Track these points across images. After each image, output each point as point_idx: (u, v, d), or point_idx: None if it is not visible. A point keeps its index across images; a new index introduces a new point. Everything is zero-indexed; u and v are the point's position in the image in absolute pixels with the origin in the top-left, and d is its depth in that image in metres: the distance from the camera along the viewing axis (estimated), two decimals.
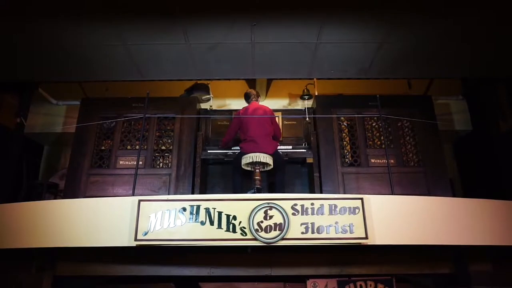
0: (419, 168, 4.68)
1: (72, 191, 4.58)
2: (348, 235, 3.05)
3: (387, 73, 4.66)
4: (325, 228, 3.06)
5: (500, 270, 3.60)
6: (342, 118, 5.02)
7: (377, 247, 3.18)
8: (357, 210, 3.12)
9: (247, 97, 4.74)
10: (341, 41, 4.01)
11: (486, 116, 5.17)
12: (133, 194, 3.45)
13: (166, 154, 4.89)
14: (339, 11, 3.57)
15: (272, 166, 4.22)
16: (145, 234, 3.04)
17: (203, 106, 5.61)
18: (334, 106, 5.00)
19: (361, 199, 3.17)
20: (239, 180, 4.44)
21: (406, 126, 4.98)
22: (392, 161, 4.63)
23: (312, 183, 4.69)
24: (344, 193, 4.45)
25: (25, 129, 5.34)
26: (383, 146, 4.60)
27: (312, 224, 3.07)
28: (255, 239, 3.02)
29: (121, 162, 4.77)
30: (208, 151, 4.84)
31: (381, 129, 4.72)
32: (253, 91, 4.77)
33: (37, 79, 5.08)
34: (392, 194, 3.50)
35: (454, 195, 4.91)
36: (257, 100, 4.72)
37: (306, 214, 3.10)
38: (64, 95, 5.79)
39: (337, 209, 3.12)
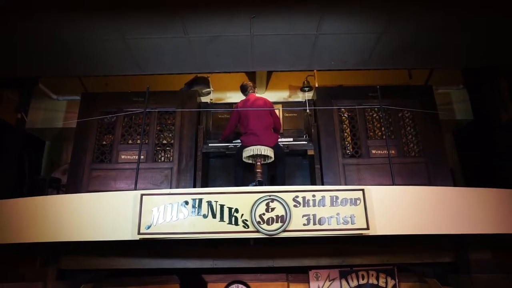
0: (420, 158, 4.69)
1: (74, 186, 4.61)
2: (349, 226, 3.06)
3: (387, 63, 4.63)
4: (327, 219, 3.07)
5: (500, 258, 3.62)
6: (342, 109, 5.01)
7: (379, 238, 3.20)
8: (358, 201, 3.13)
9: (243, 89, 4.71)
10: (341, 32, 3.99)
11: (487, 105, 5.16)
12: (135, 188, 3.46)
13: (167, 148, 4.91)
14: (338, 2, 3.55)
15: (273, 159, 4.24)
16: (148, 227, 3.06)
17: (204, 99, 5.60)
18: (334, 98, 5.00)
19: (362, 190, 3.18)
20: (240, 173, 4.45)
21: (407, 117, 4.98)
22: (393, 151, 4.64)
23: (313, 175, 4.70)
24: (345, 184, 4.47)
25: (26, 125, 5.35)
26: (384, 137, 4.61)
27: (314, 215, 3.08)
28: (257, 231, 3.03)
29: (122, 157, 4.78)
30: (209, 145, 4.85)
31: (381, 120, 4.72)
32: (249, 83, 4.74)
33: (37, 74, 5.07)
34: (393, 185, 3.51)
35: (455, 185, 4.93)
36: (254, 92, 4.70)
37: (307, 206, 3.11)
38: (64, 90, 5.79)
39: (339, 201, 3.13)
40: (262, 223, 3.05)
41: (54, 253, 3.79)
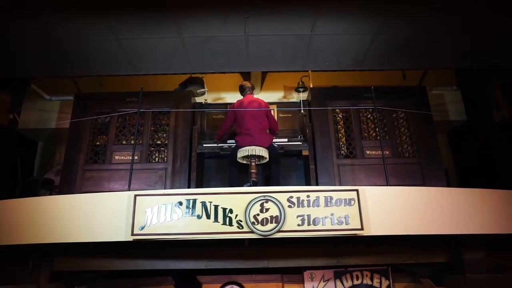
0: (414, 159, 4.71)
1: (68, 187, 4.57)
2: (344, 226, 3.07)
3: (381, 64, 4.66)
4: (321, 219, 3.08)
5: (494, 258, 3.64)
6: (337, 110, 5.02)
7: (373, 238, 3.21)
8: (352, 202, 3.13)
9: (242, 90, 4.70)
10: (335, 33, 4.00)
11: (481, 106, 5.19)
12: (129, 189, 3.44)
13: (161, 149, 4.89)
14: (333, 3, 3.56)
15: (267, 159, 4.23)
16: (142, 228, 3.04)
17: (198, 100, 5.58)
18: (329, 98, 5.01)
19: (357, 190, 3.19)
20: (235, 174, 4.44)
21: (401, 117, 5.00)
22: (387, 152, 4.66)
23: (308, 175, 4.70)
24: (340, 184, 4.48)
25: (19, 125, 5.30)
26: (378, 137, 4.62)
27: (308, 216, 3.08)
28: (252, 231, 3.03)
29: (116, 157, 4.75)
30: (204, 145, 4.84)
31: (376, 121, 4.73)
32: (248, 84, 4.73)
33: (30, 74, 5.03)
34: (387, 185, 3.52)
35: (449, 185, 4.95)
36: (252, 93, 4.69)
37: (302, 206, 3.11)
38: (57, 90, 5.74)
39: (333, 201, 3.13)
40: (256, 223, 3.05)
41: (47, 255, 3.76)
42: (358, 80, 5.58)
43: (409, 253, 3.88)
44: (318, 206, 3.12)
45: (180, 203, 3.12)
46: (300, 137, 5.04)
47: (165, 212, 3.08)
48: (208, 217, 3.08)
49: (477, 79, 5.25)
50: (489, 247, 3.67)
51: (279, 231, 3.04)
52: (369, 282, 4.14)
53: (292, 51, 4.28)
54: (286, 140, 4.93)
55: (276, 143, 4.65)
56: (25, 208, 3.29)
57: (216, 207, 3.10)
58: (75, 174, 4.64)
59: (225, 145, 4.78)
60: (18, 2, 3.43)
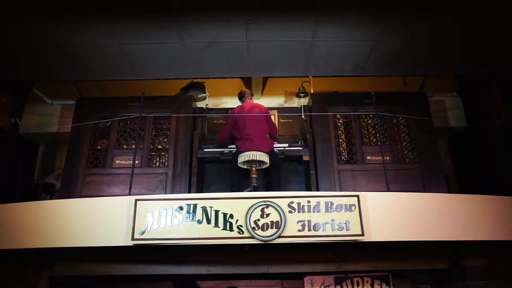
0: (415, 164, 4.71)
1: (68, 191, 4.57)
2: (344, 232, 3.07)
3: (382, 70, 4.66)
4: (322, 225, 3.07)
5: (494, 265, 3.63)
6: (337, 115, 5.03)
7: (374, 244, 3.20)
8: (353, 207, 3.13)
9: (241, 96, 4.79)
10: (336, 38, 4.02)
11: (481, 112, 5.21)
12: (129, 194, 3.44)
13: (162, 153, 4.89)
14: (334, 9, 3.58)
15: (268, 164, 4.23)
16: (142, 233, 3.04)
17: (199, 104, 5.59)
18: (330, 104, 5.02)
19: (357, 196, 3.18)
20: (236, 179, 4.45)
21: (401, 123, 5.01)
22: (387, 158, 4.65)
23: (309, 180, 4.70)
24: (340, 190, 4.47)
25: (20, 129, 5.32)
26: (379, 143, 4.63)
27: (309, 221, 3.08)
28: (252, 237, 3.03)
29: (117, 162, 4.75)
30: (205, 150, 4.85)
31: (376, 126, 4.74)
32: (247, 90, 4.84)
33: (32, 78, 5.05)
34: (387, 191, 3.52)
35: (449, 191, 4.95)
36: (251, 99, 4.76)
37: (302, 212, 3.11)
38: (59, 94, 5.76)
39: (334, 207, 3.13)
40: (257, 228, 3.04)
41: (46, 260, 3.74)
42: (359, 86, 5.60)
43: (409, 259, 3.86)
44: (318, 211, 3.11)
45: (181, 208, 3.12)
46: (301, 142, 5.04)
47: (165, 217, 3.08)
48: (208, 222, 3.08)
49: (478, 85, 5.27)
50: (489, 253, 3.66)
51: (279, 236, 3.04)
52: None
53: (293, 57, 4.30)
54: (286, 145, 4.93)
55: (276, 148, 4.66)
56: (25, 212, 3.29)
57: (216, 212, 3.10)
58: (76, 178, 4.64)
59: (226, 150, 4.80)
60: (21, 5, 3.45)
